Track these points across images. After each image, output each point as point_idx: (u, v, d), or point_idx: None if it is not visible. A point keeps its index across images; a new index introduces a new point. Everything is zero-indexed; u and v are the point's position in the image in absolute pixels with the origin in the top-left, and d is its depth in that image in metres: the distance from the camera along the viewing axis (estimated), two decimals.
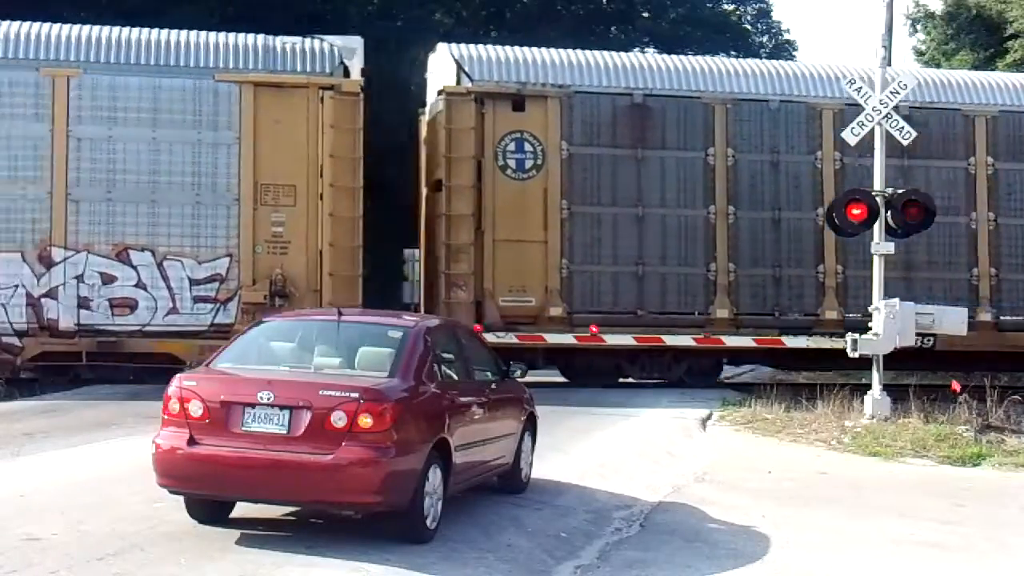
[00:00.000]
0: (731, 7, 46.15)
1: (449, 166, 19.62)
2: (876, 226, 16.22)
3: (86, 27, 19.10)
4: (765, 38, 46.65)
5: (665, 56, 22.81)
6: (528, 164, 19.67)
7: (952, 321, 16.84)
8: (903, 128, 16.29)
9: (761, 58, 36.12)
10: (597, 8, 40.88)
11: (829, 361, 20.29)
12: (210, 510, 9.04)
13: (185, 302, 18.50)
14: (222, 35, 19.35)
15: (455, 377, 9.88)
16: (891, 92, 16.23)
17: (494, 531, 9.48)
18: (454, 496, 9.41)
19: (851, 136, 16.61)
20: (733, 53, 38.77)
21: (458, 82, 19.88)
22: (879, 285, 16.35)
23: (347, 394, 8.38)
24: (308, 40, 19.51)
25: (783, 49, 45.39)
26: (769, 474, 12.99)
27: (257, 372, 9.00)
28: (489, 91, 19.70)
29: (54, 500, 9.80)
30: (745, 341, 19.95)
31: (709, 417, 16.72)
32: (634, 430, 15.55)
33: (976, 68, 33.00)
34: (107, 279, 18.41)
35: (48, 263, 18.23)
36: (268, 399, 8.41)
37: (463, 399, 9.70)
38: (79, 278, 18.29)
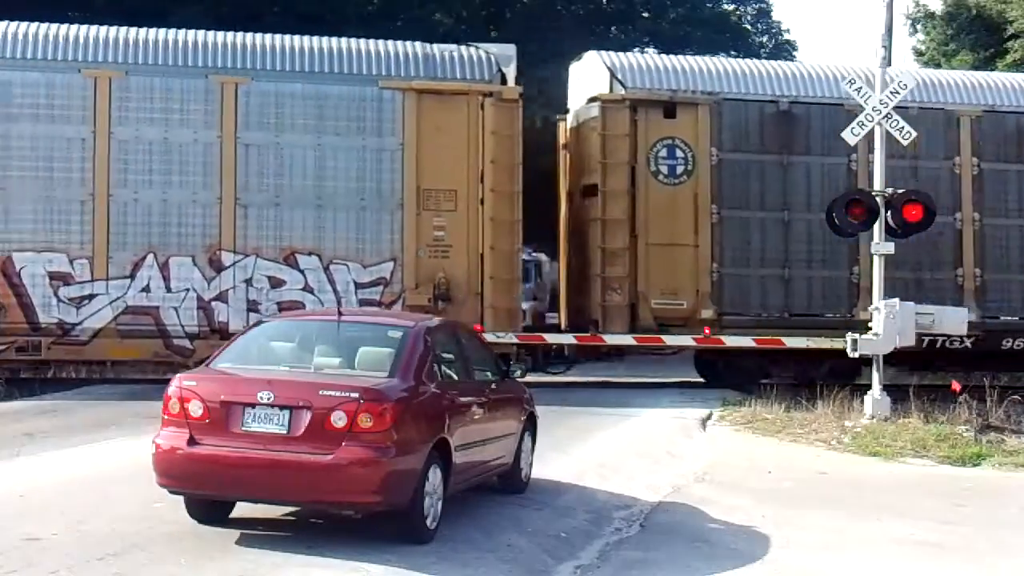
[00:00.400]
0: (731, 7, 46.11)
1: (604, 172, 19.90)
2: (876, 226, 16.24)
3: (250, 35, 19.40)
4: (765, 38, 46.64)
5: (809, 64, 23.24)
6: (679, 170, 19.98)
7: (952, 321, 16.89)
8: (903, 128, 16.31)
9: (761, 58, 36.07)
10: (597, 8, 40.86)
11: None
12: (210, 510, 9.04)
13: (350, 305, 18.65)
14: (383, 43, 19.65)
15: (455, 377, 9.88)
16: (891, 92, 16.26)
17: (494, 531, 9.48)
18: (454, 496, 9.41)
19: (851, 136, 16.65)
20: (733, 53, 38.74)
21: (611, 90, 20.18)
22: (879, 285, 16.37)
23: (347, 394, 8.38)
24: (465, 48, 19.89)
25: (783, 49, 45.34)
26: (769, 474, 12.99)
27: (257, 372, 9.00)
28: (642, 98, 20.02)
29: (54, 500, 9.80)
30: (745, 341, 19.97)
31: (709, 417, 16.72)
32: (634, 430, 15.55)
33: (976, 68, 33.00)
34: (275, 283, 18.69)
35: (218, 267, 18.53)
36: (268, 399, 8.41)
37: (463, 399, 9.70)
38: (248, 281, 18.57)
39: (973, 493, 12.35)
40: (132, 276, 18.30)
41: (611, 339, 19.84)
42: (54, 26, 18.73)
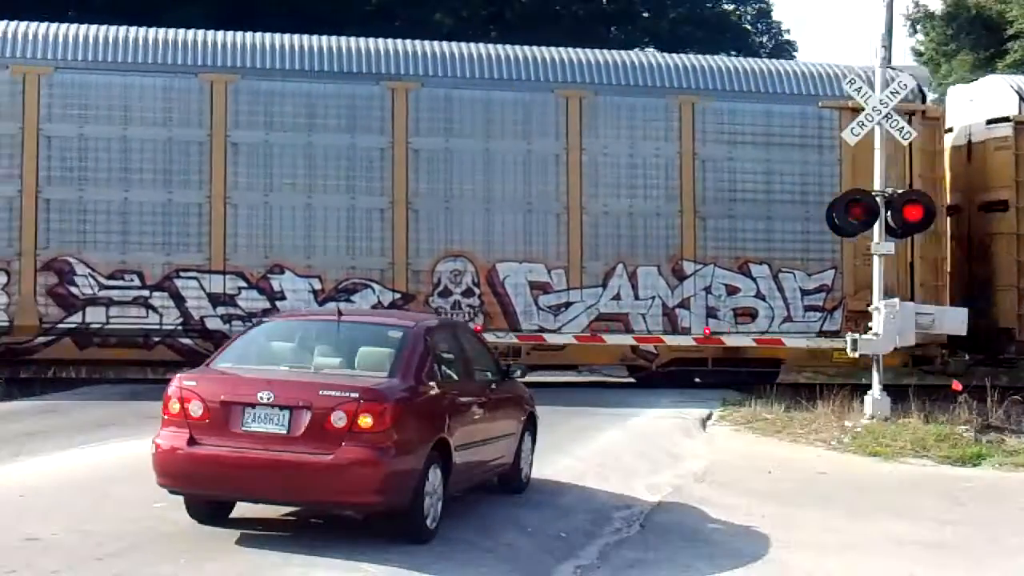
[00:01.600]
0: (731, 7, 46.19)
1: (1017, 189, 21.21)
2: (876, 226, 16.24)
3: (706, 56, 21.09)
4: (765, 38, 46.72)
5: None
6: None
7: (951, 321, 16.89)
8: (903, 128, 16.33)
9: (761, 58, 36.06)
10: (597, 8, 40.89)
11: None
12: (210, 510, 9.05)
13: (797, 311, 20.00)
14: (819, 64, 21.18)
15: (455, 377, 9.88)
16: (891, 92, 16.26)
17: (494, 531, 9.48)
18: (454, 496, 9.41)
19: (851, 136, 16.65)
20: (733, 53, 38.76)
21: (1020, 112, 21.40)
22: (879, 285, 16.37)
23: (347, 394, 8.38)
24: (888, 71, 20.63)
25: (783, 49, 45.42)
26: (769, 474, 12.99)
27: (257, 372, 9.00)
28: None
29: (54, 500, 9.80)
30: (745, 340, 20.00)
31: (709, 417, 16.71)
32: (634, 430, 15.54)
33: (976, 69, 33.00)
34: (731, 290, 19.92)
35: (680, 275, 19.76)
36: (268, 399, 8.41)
37: (463, 399, 9.70)
38: (707, 289, 19.82)
39: (973, 493, 12.35)
40: (604, 285, 19.56)
41: (611, 339, 19.86)
42: (531, 48, 20.17)
